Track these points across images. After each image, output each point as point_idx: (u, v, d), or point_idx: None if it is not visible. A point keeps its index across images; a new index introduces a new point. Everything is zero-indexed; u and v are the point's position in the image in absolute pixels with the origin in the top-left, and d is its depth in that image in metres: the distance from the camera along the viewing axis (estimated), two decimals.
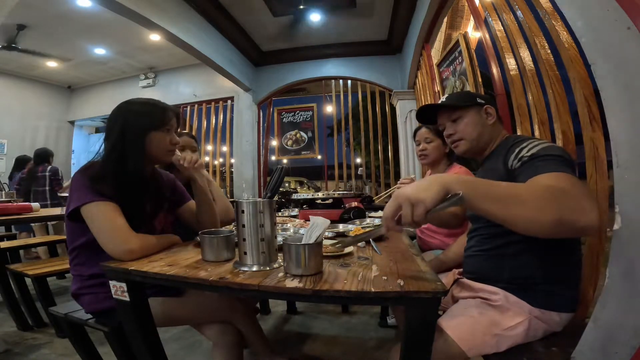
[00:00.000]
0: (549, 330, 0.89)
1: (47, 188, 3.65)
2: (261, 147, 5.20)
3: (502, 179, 0.89)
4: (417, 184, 0.64)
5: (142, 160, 1.03)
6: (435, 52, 3.54)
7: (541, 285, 0.88)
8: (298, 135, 5.36)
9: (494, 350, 0.84)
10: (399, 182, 1.47)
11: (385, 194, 1.76)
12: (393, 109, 4.62)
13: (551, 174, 0.73)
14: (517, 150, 0.87)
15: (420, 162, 1.78)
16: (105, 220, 0.91)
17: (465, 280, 1.04)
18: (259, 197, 1.24)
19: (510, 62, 1.67)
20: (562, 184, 0.68)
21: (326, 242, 0.98)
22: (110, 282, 0.83)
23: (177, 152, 1.14)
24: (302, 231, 1.18)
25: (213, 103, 5.19)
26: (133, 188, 1.01)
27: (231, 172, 5.37)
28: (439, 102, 1.13)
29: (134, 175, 1.01)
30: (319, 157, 5.37)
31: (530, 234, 0.65)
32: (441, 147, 1.66)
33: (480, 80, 2.35)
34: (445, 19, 3.14)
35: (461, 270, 1.12)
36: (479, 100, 1.07)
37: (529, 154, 0.83)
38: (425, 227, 1.74)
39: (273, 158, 5.81)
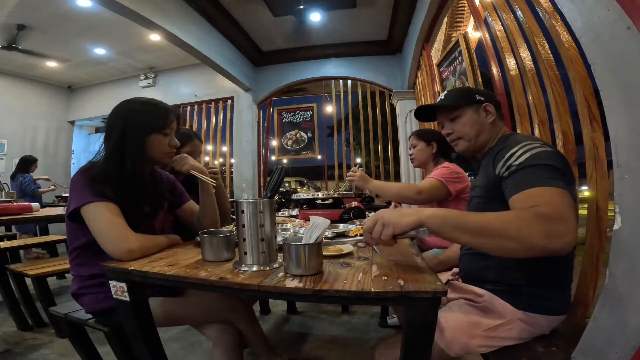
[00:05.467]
0: (536, 333, 0.88)
1: None
2: (261, 147, 5.20)
3: (491, 182, 0.89)
4: (401, 211, 0.72)
5: (140, 162, 1.03)
6: (435, 52, 3.53)
7: (525, 287, 0.86)
8: (298, 135, 5.35)
9: (474, 350, 0.84)
10: (349, 172, 1.63)
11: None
12: (393, 109, 4.62)
13: (533, 190, 0.72)
14: (506, 156, 0.83)
15: (413, 166, 1.91)
16: (105, 221, 0.90)
17: (455, 282, 1.05)
18: (259, 197, 1.24)
19: (510, 62, 1.67)
20: (541, 207, 0.66)
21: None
22: (110, 282, 0.83)
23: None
24: (302, 231, 1.18)
25: (213, 103, 5.19)
26: (132, 189, 1.00)
27: (231, 172, 5.37)
28: (437, 100, 1.11)
29: (132, 177, 1.00)
30: (319, 157, 5.36)
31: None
32: (425, 149, 1.76)
33: (480, 80, 2.35)
34: (445, 19, 3.14)
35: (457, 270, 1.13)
36: (478, 97, 1.03)
37: (517, 162, 0.79)
38: None
39: (273, 158, 5.80)
